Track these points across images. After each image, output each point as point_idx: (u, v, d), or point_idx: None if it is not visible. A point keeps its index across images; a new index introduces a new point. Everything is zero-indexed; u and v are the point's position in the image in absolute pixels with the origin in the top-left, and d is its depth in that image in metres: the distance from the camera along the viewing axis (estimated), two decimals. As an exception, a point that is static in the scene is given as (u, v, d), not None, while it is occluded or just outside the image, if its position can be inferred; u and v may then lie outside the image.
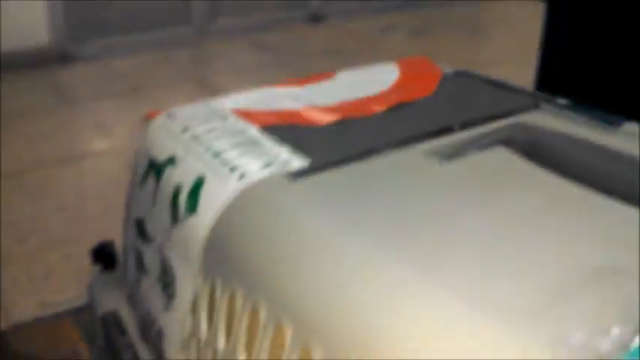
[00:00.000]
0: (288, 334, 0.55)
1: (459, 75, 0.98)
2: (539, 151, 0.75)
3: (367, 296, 0.52)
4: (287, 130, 0.80)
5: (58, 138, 2.27)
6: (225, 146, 0.77)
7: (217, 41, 3.28)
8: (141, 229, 0.85)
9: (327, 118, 0.82)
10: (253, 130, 0.80)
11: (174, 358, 0.75)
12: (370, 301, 0.52)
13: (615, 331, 0.46)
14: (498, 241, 0.57)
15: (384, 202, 0.63)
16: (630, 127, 0.78)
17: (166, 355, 0.77)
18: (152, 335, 0.83)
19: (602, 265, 0.53)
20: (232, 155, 0.75)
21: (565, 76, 1.19)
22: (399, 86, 0.93)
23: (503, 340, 0.47)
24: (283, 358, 0.56)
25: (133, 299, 0.91)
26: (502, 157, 0.73)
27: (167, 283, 0.78)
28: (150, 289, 0.83)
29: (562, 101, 0.85)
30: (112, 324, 0.92)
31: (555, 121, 0.80)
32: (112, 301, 0.96)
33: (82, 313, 1.47)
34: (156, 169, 0.82)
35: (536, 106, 0.84)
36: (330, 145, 0.76)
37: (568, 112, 0.82)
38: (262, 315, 0.59)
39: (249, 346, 0.60)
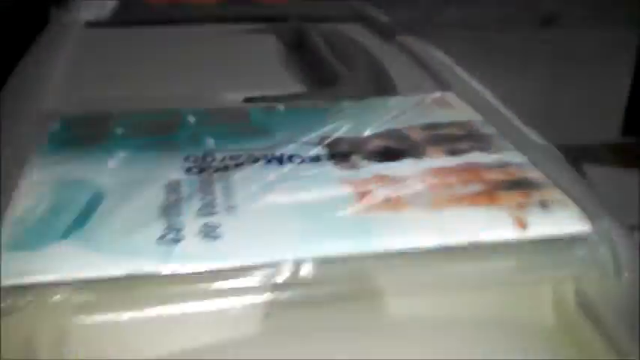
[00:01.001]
0: None
1: None
2: (299, 42, 0.82)
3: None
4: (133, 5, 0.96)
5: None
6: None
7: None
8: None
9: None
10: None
11: None
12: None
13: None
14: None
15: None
16: (401, 38, 0.82)
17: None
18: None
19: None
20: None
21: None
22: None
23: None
24: None
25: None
26: (260, 37, 0.82)
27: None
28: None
29: (384, 18, 0.90)
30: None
31: (352, 30, 0.86)
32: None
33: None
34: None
35: (354, 20, 0.90)
36: (145, 14, 0.91)
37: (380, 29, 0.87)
38: None
39: None
